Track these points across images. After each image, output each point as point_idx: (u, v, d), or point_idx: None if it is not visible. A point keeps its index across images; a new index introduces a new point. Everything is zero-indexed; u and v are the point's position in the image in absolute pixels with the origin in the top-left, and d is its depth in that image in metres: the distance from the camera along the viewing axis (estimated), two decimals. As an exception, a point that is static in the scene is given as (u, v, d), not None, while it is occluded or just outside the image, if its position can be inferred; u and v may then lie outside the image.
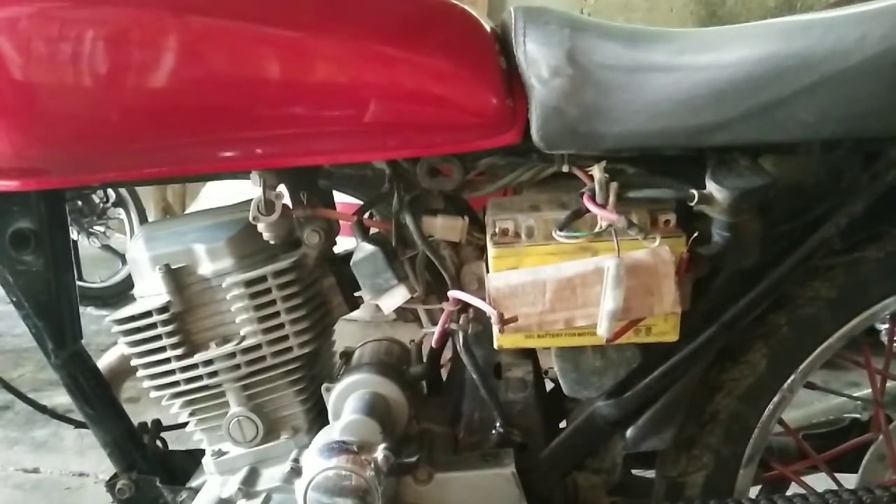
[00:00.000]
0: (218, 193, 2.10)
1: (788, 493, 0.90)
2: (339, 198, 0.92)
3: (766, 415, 0.89)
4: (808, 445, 1.01)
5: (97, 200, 3.11)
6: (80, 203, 3.01)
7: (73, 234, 2.96)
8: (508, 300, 0.75)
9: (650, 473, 0.98)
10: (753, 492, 0.97)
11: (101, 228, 3.18)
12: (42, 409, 1.11)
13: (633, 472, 1.02)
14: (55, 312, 0.89)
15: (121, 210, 3.18)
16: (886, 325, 1.02)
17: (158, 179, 0.97)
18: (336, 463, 0.78)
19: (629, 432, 0.88)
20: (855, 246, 0.85)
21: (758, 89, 0.71)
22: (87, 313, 2.70)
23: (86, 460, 1.79)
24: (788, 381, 0.88)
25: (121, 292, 2.95)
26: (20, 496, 1.71)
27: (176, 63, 0.73)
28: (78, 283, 0.96)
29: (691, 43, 0.75)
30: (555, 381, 0.92)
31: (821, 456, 1.00)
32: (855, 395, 1.10)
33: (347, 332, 1.08)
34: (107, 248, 3.22)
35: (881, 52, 0.69)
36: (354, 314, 0.97)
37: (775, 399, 0.88)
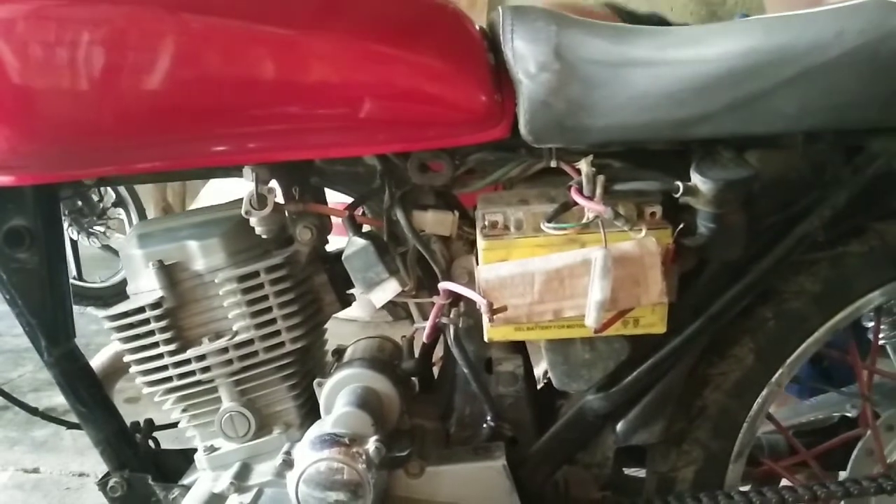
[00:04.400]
0: (218, 193, 2.11)
1: (778, 487, 0.91)
2: (333, 197, 0.93)
3: (755, 409, 0.90)
4: (798, 442, 1.01)
5: (97, 200, 3.10)
6: (80, 203, 2.99)
7: (74, 234, 2.94)
8: (498, 291, 0.76)
9: (642, 473, 0.98)
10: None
11: (101, 228, 3.15)
12: (33, 411, 1.11)
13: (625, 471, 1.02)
14: (49, 310, 0.89)
15: (121, 210, 3.16)
16: (872, 323, 1.03)
17: (152, 174, 0.98)
18: (328, 455, 0.78)
19: (619, 426, 0.89)
20: (838, 241, 0.87)
21: (740, 82, 0.73)
22: (88, 313, 2.67)
23: (86, 460, 1.79)
24: (776, 375, 0.89)
25: (121, 292, 2.89)
26: (20, 496, 1.70)
27: (169, 59, 0.74)
28: (78, 283, 0.97)
29: (674, 38, 0.77)
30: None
31: (810, 452, 1.01)
32: (842, 390, 1.11)
33: (346, 333, 1.08)
34: (107, 248, 3.19)
35: (859, 45, 0.71)
36: (353, 314, 0.98)
37: (763, 393, 0.89)
